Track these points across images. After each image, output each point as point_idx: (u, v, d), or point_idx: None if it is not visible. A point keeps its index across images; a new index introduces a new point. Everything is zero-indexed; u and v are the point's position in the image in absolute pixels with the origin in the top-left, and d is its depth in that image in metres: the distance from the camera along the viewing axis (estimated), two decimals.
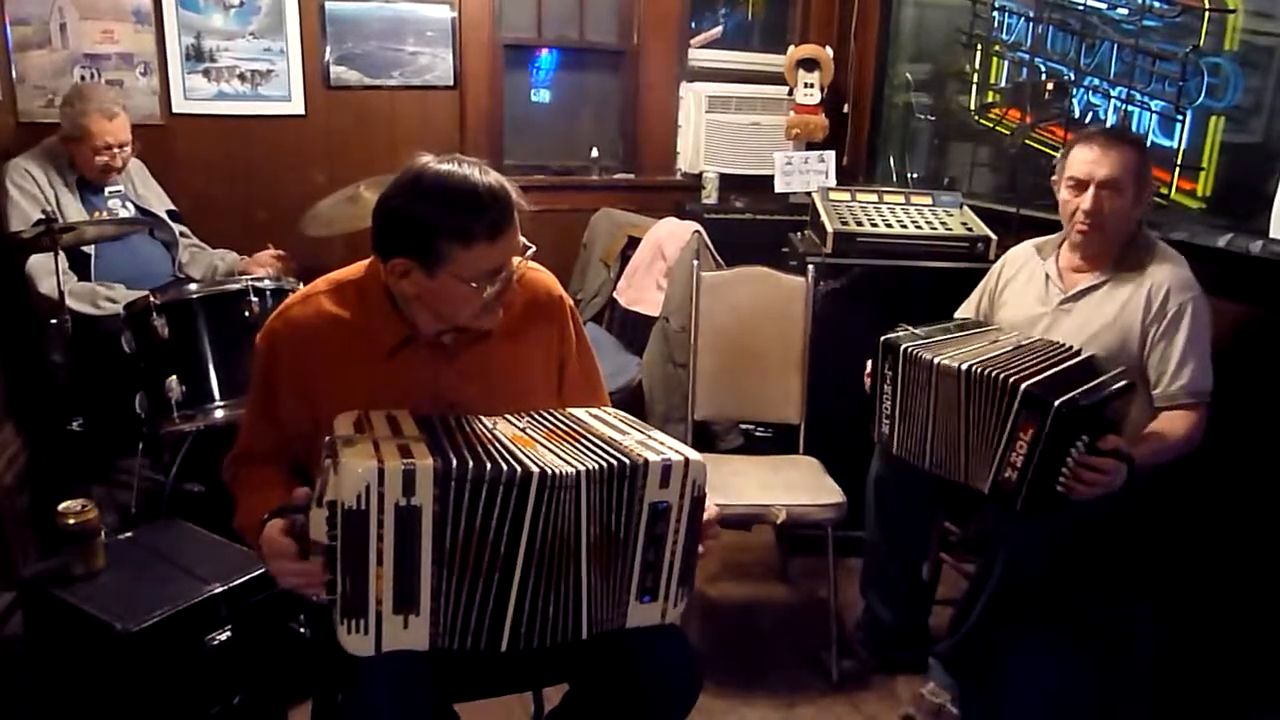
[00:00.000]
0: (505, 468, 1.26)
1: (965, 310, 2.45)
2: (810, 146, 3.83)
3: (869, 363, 2.21)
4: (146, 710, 1.82)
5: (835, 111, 3.96)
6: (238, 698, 1.94)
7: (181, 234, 3.05)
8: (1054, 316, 2.21)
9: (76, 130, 2.72)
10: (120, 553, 2.00)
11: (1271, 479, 2.20)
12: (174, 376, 2.35)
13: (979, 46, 3.40)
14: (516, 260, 1.45)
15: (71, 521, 1.88)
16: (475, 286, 1.39)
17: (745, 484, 2.42)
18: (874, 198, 3.00)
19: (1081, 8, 2.94)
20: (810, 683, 2.38)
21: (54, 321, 2.49)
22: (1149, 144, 2.56)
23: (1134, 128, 2.74)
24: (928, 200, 2.99)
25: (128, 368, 2.42)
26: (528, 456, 1.29)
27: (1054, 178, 2.22)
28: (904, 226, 2.84)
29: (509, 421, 1.43)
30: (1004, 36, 3.31)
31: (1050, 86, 3.11)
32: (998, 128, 3.35)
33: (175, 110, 3.34)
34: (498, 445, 1.32)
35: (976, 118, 3.46)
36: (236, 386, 2.37)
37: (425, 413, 1.40)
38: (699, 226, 3.32)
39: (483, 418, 1.42)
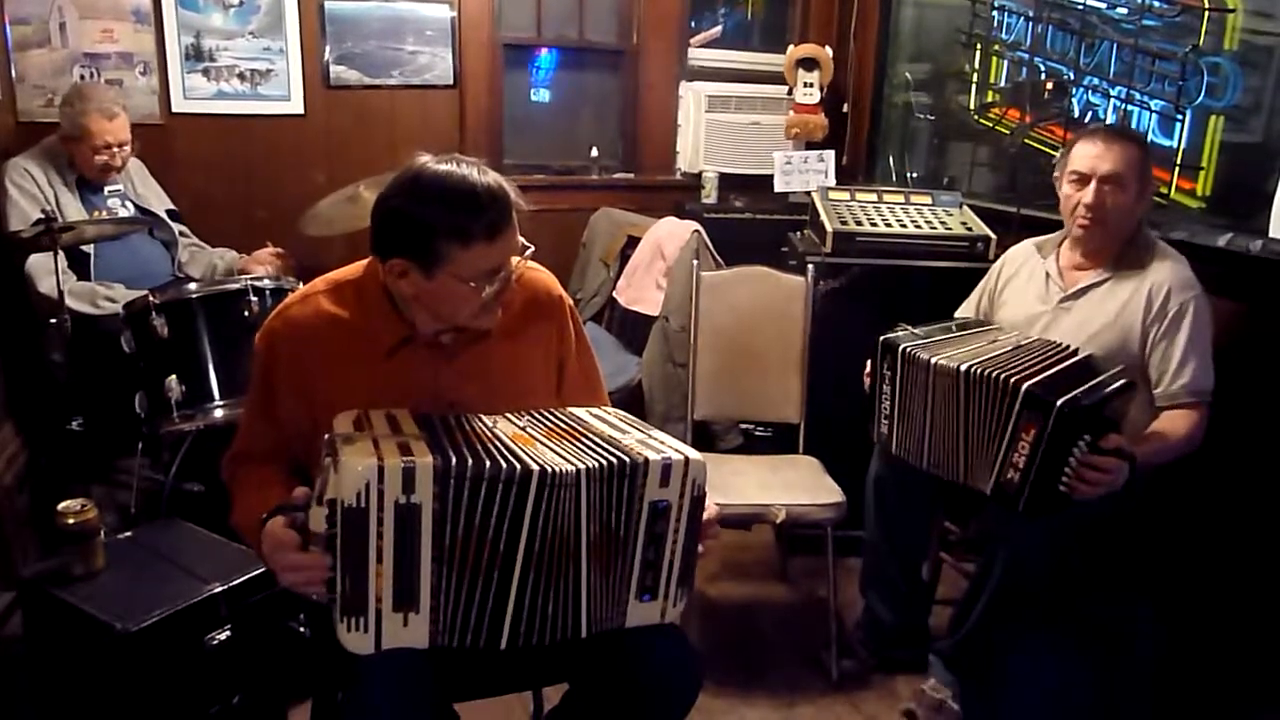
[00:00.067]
0: (505, 465, 1.26)
1: (965, 310, 2.45)
2: (810, 146, 3.83)
3: (868, 362, 2.21)
4: (146, 710, 1.82)
5: (835, 111, 3.96)
6: (237, 697, 1.94)
7: (181, 233, 3.05)
8: (1054, 315, 2.21)
9: (76, 130, 2.72)
10: (120, 553, 2.00)
11: (1271, 479, 2.20)
12: (174, 376, 2.35)
13: (978, 46, 3.40)
14: (515, 260, 1.45)
15: (71, 521, 1.88)
16: (474, 286, 1.39)
17: (745, 484, 2.42)
18: (873, 197, 3.00)
19: (1081, 7, 2.94)
20: (810, 682, 2.38)
21: (53, 321, 2.49)
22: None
23: (1134, 127, 2.74)
24: (927, 200, 2.99)
25: (127, 367, 2.42)
26: (527, 455, 1.29)
27: (1055, 174, 2.22)
28: (904, 226, 2.84)
29: (509, 420, 1.43)
30: (1003, 36, 3.31)
31: (1050, 86, 3.11)
32: (997, 127, 3.35)
33: (175, 110, 3.34)
34: (497, 443, 1.32)
35: (976, 117, 3.46)
36: (236, 386, 2.37)
37: (425, 412, 1.40)
38: (699, 226, 3.32)
39: (482, 416, 1.42)
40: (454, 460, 1.24)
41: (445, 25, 3.65)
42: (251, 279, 2.49)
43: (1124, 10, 2.79)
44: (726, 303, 2.69)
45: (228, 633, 1.90)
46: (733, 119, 3.97)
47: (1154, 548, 2.22)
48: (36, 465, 2.75)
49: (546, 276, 1.64)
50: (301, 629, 1.93)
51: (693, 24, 4.12)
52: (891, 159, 3.92)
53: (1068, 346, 2.05)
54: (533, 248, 1.49)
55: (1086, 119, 2.92)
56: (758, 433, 3.19)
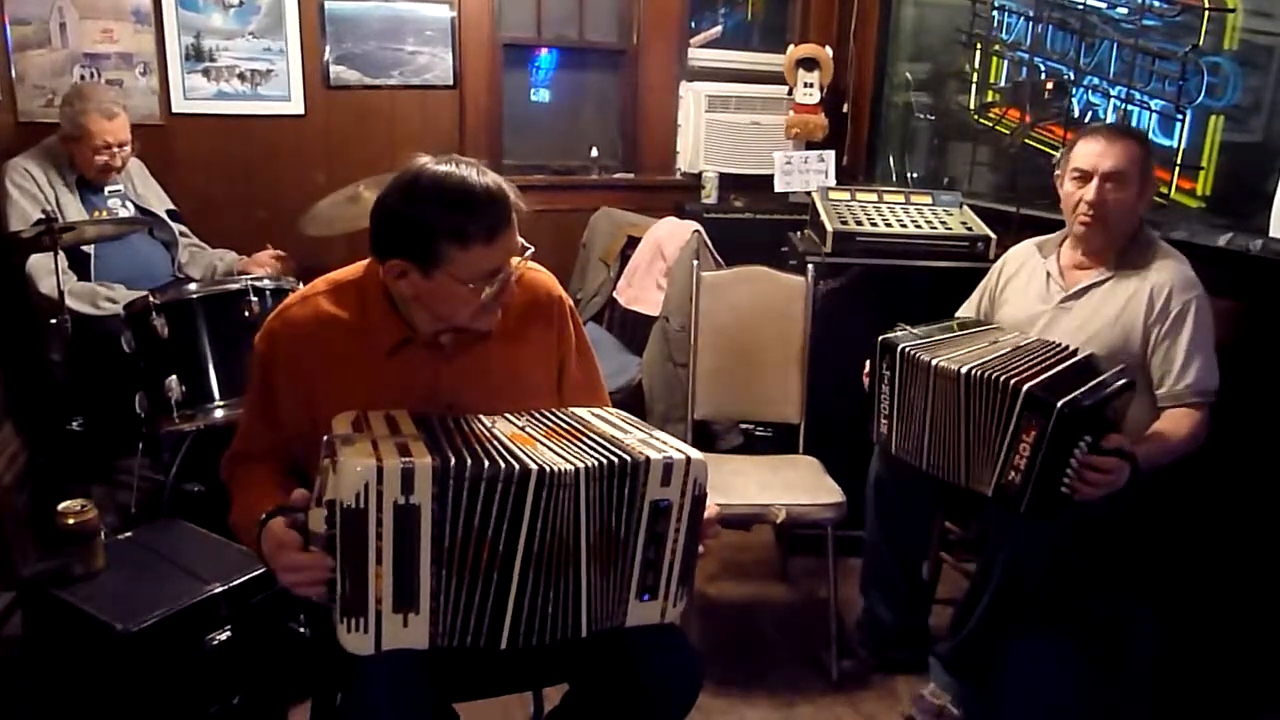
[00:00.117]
0: (503, 465, 1.26)
1: (966, 310, 2.45)
2: (810, 146, 3.83)
3: (867, 362, 2.21)
4: (146, 710, 1.82)
5: (835, 111, 3.96)
6: (237, 697, 1.94)
7: (181, 234, 3.05)
8: (1055, 314, 2.21)
9: (76, 130, 2.72)
10: (120, 553, 2.00)
11: (1271, 479, 2.20)
12: (174, 376, 2.35)
13: (979, 46, 3.40)
14: (515, 261, 1.45)
15: (71, 521, 1.88)
16: (473, 287, 1.39)
17: (745, 484, 2.42)
18: (874, 197, 3.00)
19: (1081, 7, 2.94)
20: (810, 682, 2.38)
21: (54, 321, 2.49)
22: None
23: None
24: (927, 200, 2.99)
25: (127, 367, 2.42)
26: (526, 454, 1.29)
27: (1057, 173, 2.22)
28: (904, 226, 2.84)
29: (508, 420, 1.43)
30: (1004, 36, 3.31)
31: (1050, 86, 3.11)
32: (997, 127, 3.35)
33: (175, 110, 3.34)
34: (496, 443, 1.32)
35: (976, 117, 3.46)
36: (236, 386, 2.37)
37: (424, 413, 1.40)
38: (699, 226, 3.32)
39: (481, 417, 1.42)
40: (452, 461, 1.24)
41: (445, 25, 3.65)
42: (251, 279, 2.49)
43: (1124, 10, 2.79)
44: (726, 303, 2.69)
45: (228, 633, 1.90)
46: (733, 119, 3.97)
47: (1154, 548, 2.22)
48: (36, 465, 2.75)
49: (546, 277, 1.64)
50: (301, 629, 1.93)
51: (693, 24, 4.11)
52: (891, 159, 3.92)
53: (1068, 347, 2.05)
54: (532, 248, 1.48)
55: (1086, 119, 2.92)
56: (758, 433, 3.19)
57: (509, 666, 1.51)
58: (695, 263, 2.87)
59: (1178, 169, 2.64)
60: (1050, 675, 2.15)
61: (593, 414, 1.49)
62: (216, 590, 1.89)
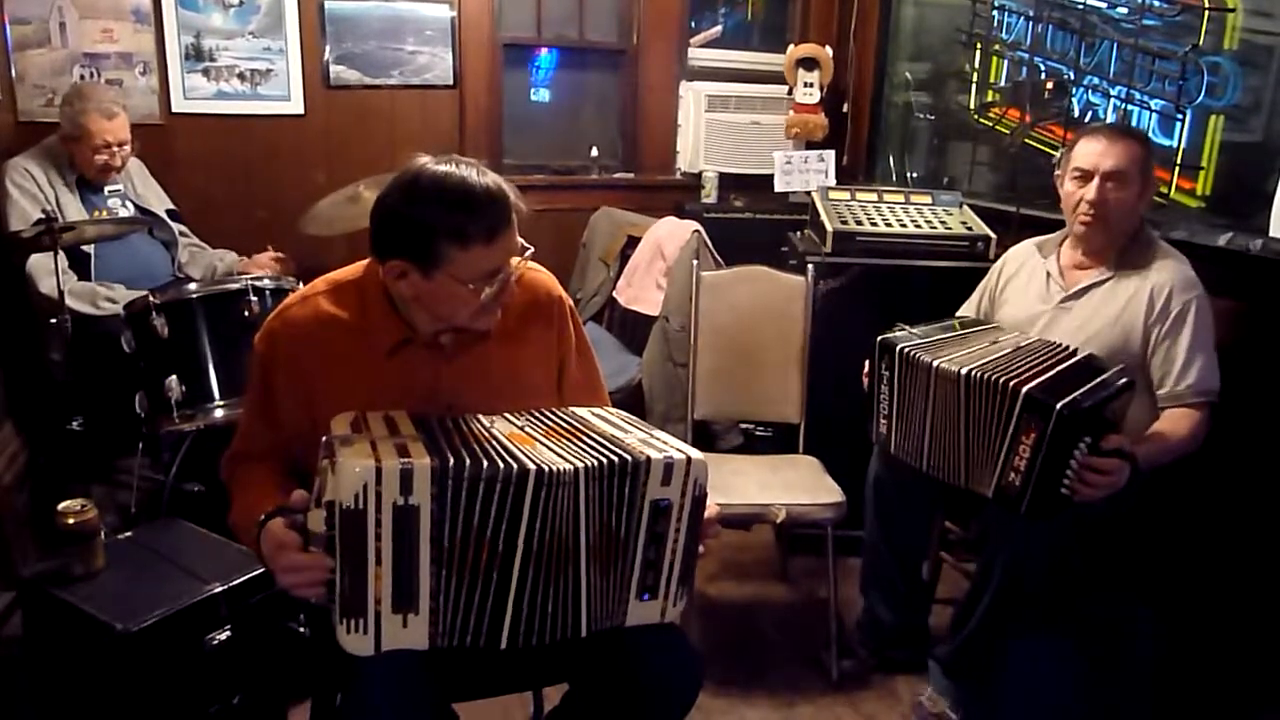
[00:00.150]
0: (502, 465, 1.26)
1: (966, 309, 2.45)
2: (810, 146, 3.83)
3: (866, 362, 2.21)
4: (146, 710, 1.82)
5: (835, 111, 3.96)
6: (237, 697, 1.94)
7: (181, 233, 3.05)
8: (1055, 314, 2.21)
9: (76, 129, 2.73)
10: (120, 553, 2.00)
11: (1271, 478, 2.20)
12: (174, 376, 2.36)
13: (979, 46, 3.40)
14: (515, 261, 1.45)
15: (71, 521, 1.88)
16: (473, 288, 1.39)
17: (745, 483, 2.42)
18: (874, 197, 3.00)
19: (1081, 7, 2.94)
20: (810, 682, 2.38)
21: (54, 321, 2.49)
22: None
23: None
24: (927, 199, 2.99)
25: (127, 367, 2.42)
26: (525, 454, 1.29)
27: (1057, 173, 2.22)
28: (904, 226, 2.84)
29: (507, 420, 1.43)
30: (1004, 35, 3.31)
31: (1050, 86, 3.11)
32: (997, 127, 3.34)
33: (175, 110, 3.34)
34: (495, 444, 1.32)
35: (976, 117, 3.46)
36: (236, 386, 2.37)
37: (423, 413, 1.40)
38: (698, 226, 3.32)
39: (481, 416, 1.42)
40: (451, 461, 1.24)
41: (445, 25, 3.65)
42: (251, 279, 2.49)
43: (1124, 10, 2.79)
44: (726, 302, 2.69)
45: (228, 633, 1.90)
46: (733, 119, 3.97)
47: (1154, 548, 2.22)
48: (36, 465, 2.75)
49: (546, 277, 1.64)
50: (301, 629, 1.93)
51: (693, 24, 4.11)
52: (891, 159, 3.92)
53: (1067, 347, 2.05)
54: (532, 248, 1.48)
55: (1086, 119, 2.92)
56: (758, 433, 3.19)
57: (509, 666, 1.51)
58: (695, 262, 2.87)
59: (1178, 169, 2.64)
60: (1050, 675, 2.14)
61: (593, 414, 1.49)
62: (216, 590, 1.89)
